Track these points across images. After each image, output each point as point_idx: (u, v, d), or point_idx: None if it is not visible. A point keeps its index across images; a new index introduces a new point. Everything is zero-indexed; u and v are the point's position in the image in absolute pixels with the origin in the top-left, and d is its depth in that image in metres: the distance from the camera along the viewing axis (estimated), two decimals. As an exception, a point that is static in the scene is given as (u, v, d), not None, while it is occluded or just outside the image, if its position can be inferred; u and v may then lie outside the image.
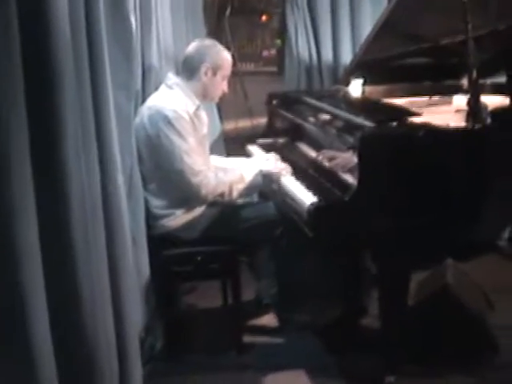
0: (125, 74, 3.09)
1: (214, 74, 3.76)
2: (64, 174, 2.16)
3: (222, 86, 3.84)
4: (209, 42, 3.92)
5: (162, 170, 3.62)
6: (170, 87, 3.75)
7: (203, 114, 3.86)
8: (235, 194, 3.75)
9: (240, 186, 3.74)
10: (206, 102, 3.94)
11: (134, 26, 3.16)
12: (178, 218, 3.70)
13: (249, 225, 3.78)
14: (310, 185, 3.56)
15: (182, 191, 3.65)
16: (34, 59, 2.03)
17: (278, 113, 4.63)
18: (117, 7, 2.96)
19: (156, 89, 3.79)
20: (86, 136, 2.41)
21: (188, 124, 3.61)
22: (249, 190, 3.84)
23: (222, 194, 3.72)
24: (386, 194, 3.09)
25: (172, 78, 3.78)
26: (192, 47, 3.82)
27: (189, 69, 3.77)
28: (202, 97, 3.80)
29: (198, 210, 3.76)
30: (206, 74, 3.74)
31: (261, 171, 3.81)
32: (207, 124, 3.91)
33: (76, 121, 2.27)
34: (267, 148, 4.45)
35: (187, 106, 3.68)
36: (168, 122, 3.55)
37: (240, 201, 3.91)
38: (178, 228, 3.69)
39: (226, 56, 3.82)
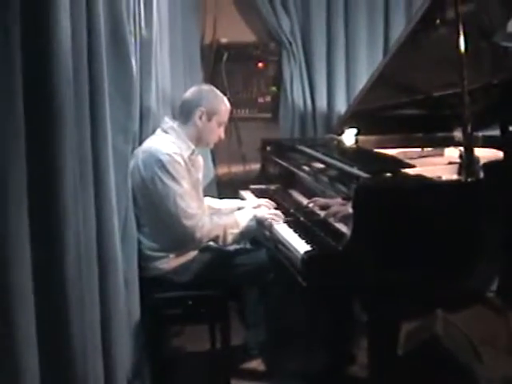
0: (123, 117, 3.09)
1: (209, 119, 3.76)
2: (60, 212, 2.17)
3: (218, 132, 3.83)
4: (206, 87, 3.92)
5: (155, 212, 3.61)
6: (165, 131, 3.75)
7: (199, 159, 3.86)
8: (229, 238, 3.74)
9: (235, 231, 3.73)
10: (201, 147, 3.94)
11: (134, 68, 3.17)
12: (170, 261, 3.68)
13: (240, 270, 3.74)
14: (303, 233, 3.53)
15: (175, 234, 3.63)
16: (35, 100, 2.05)
17: (271, 159, 4.63)
18: (118, 49, 2.98)
19: (153, 132, 3.79)
20: (83, 176, 2.43)
21: (182, 168, 3.61)
22: (243, 235, 3.82)
23: (216, 238, 3.71)
24: (378, 244, 3.07)
25: (168, 122, 3.78)
26: (190, 92, 3.83)
27: (184, 113, 3.78)
28: (196, 141, 3.79)
29: (191, 254, 3.75)
30: (200, 118, 3.74)
31: (255, 216, 3.80)
32: (202, 169, 3.92)
33: (74, 161, 2.28)
34: (260, 194, 4.45)
35: (182, 150, 3.67)
36: (162, 165, 3.55)
37: (232, 247, 3.88)
38: (170, 271, 3.67)
39: (223, 102, 3.81)
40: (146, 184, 3.57)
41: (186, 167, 3.65)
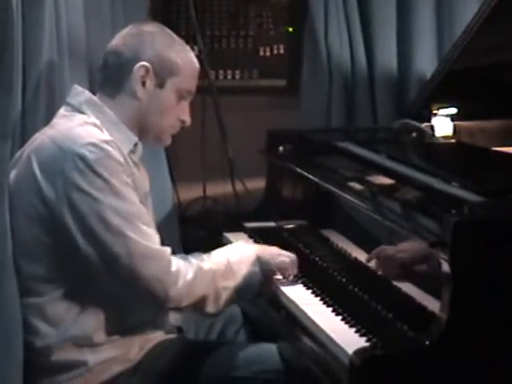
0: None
1: (161, 83, 2.40)
2: None
3: (177, 113, 2.46)
4: (151, 26, 2.55)
5: (75, 264, 2.22)
6: (78, 109, 2.36)
7: (142, 167, 2.53)
8: (224, 298, 2.37)
9: (230, 283, 2.38)
10: (146, 144, 2.51)
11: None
12: (108, 349, 2.27)
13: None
14: (352, 312, 2.39)
15: (133, 297, 2.29)
16: None
17: (287, 171, 3.23)
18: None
19: (49, 115, 2.48)
20: None
21: (123, 169, 2.25)
22: (242, 291, 2.42)
23: (202, 301, 2.32)
24: (503, 335, 2.08)
25: (81, 92, 2.43)
26: (120, 37, 2.49)
27: (112, 75, 2.43)
28: (136, 129, 2.43)
29: (157, 338, 2.35)
30: (142, 82, 2.37)
31: (259, 258, 2.46)
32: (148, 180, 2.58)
33: None
34: (265, 237, 3.07)
35: (117, 140, 2.32)
36: (87, 164, 2.15)
37: (214, 336, 2.52)
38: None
39: (184, 52, 2.47)
40: (52, 211, 2.20)
41: (129, 170, 2.31)
